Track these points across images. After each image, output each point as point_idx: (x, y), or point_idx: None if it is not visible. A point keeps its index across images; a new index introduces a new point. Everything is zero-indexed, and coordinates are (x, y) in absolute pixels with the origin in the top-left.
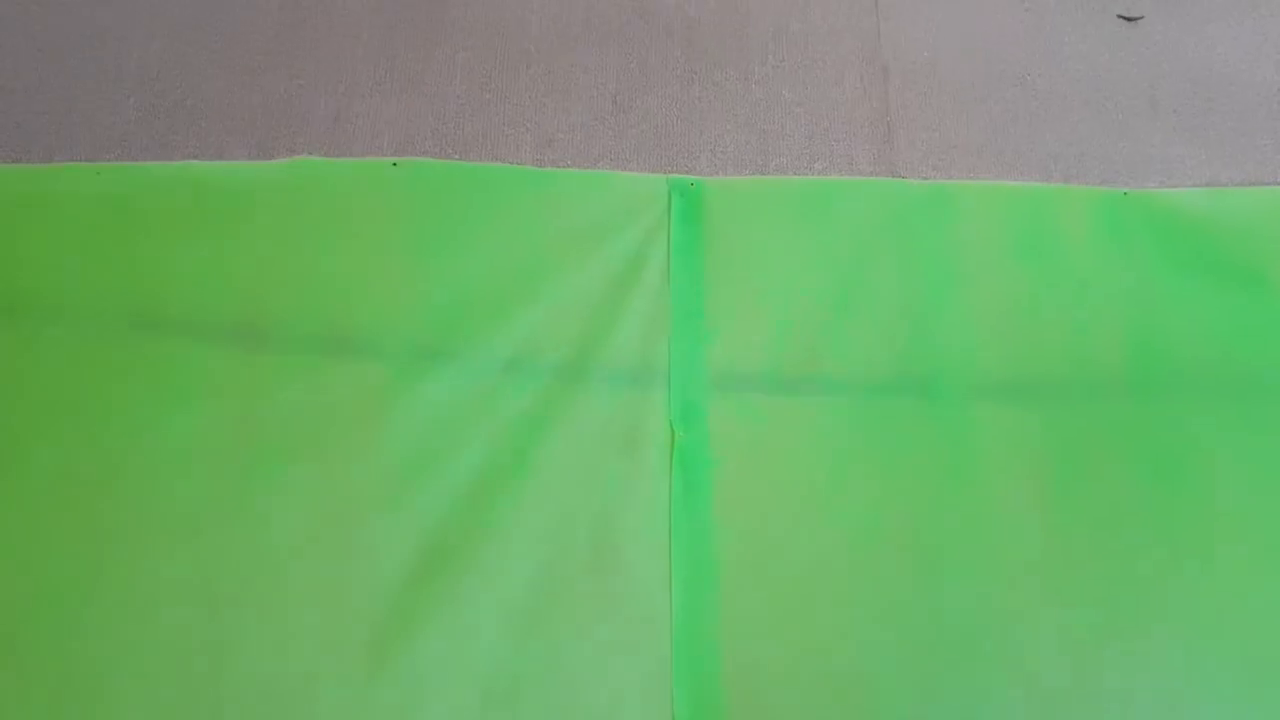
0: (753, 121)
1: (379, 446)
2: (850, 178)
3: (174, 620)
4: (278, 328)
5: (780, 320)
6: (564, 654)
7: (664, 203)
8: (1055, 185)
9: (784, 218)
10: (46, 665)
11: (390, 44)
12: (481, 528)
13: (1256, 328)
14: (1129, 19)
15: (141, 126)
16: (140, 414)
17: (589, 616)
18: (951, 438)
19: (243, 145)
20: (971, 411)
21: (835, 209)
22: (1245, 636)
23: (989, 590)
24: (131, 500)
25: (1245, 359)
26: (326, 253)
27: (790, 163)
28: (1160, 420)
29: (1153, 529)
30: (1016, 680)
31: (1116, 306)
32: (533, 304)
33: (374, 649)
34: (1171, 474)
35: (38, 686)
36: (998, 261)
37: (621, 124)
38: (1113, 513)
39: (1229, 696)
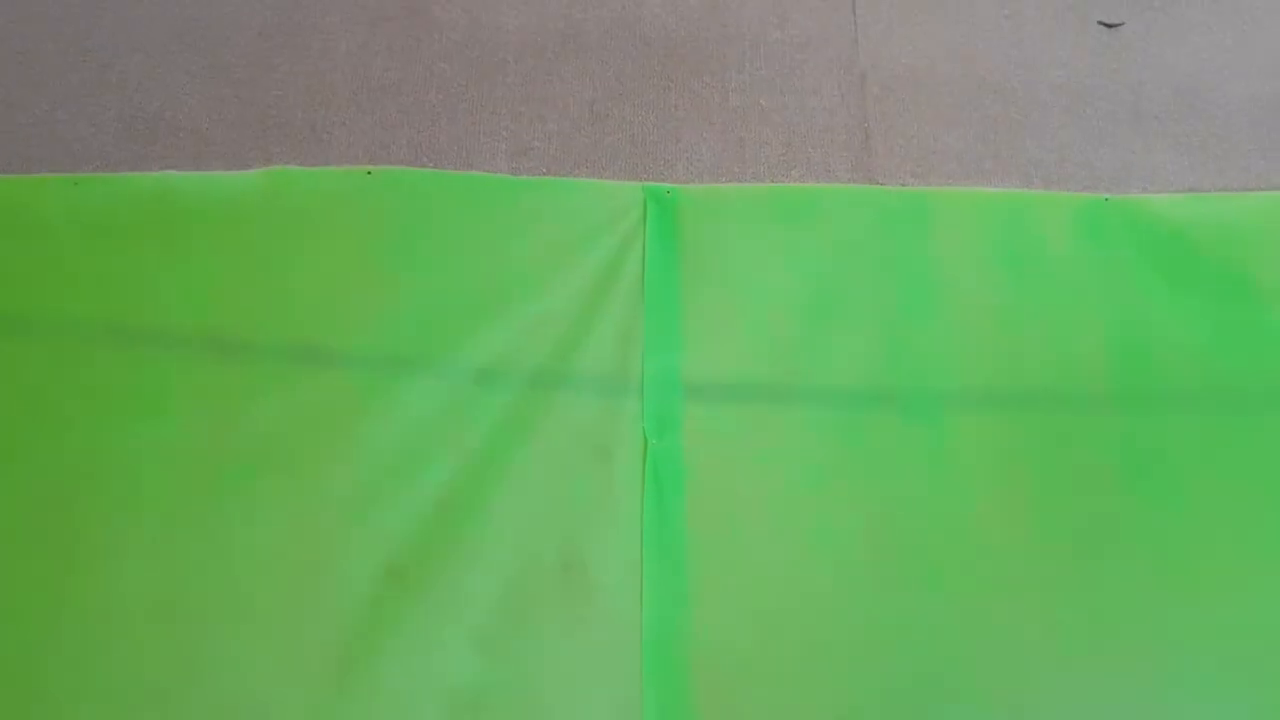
0: (730, 130)
1: (351, 457)
2: (828, 184)
3: (141, 633)
4: (252, 337)
5: (756, 329)
6: (532, 670)
7: (639, 210)
8: (1035, 191)
9: (761, 225)
10: (12, 676)
11: (367, 55)
12: (451, 540)
13: (1239, 335)
14: (1109, 26)
15: (121, 139)
16: (114, 424)
17: (558, 631)
18: (930, 448)
19: (220, 157)
20: (951, 421)
21: (812, 216)
22: (1228, 648)
23: (968, 604)
24: (103, 512)
25: (1228, 367)
26: (302, 261)
27: (767, 171)
28: (1143, 430)
29: (1135, 540)
30: (998, 695)
31: (1098, 314)
32: (507, 312)
33: (340, 663)
34: (1154, 485)
35: (2, 699)
36: (977, 269)
37: (598, 132)
38: (1095, 524)
39: (1213, 708)
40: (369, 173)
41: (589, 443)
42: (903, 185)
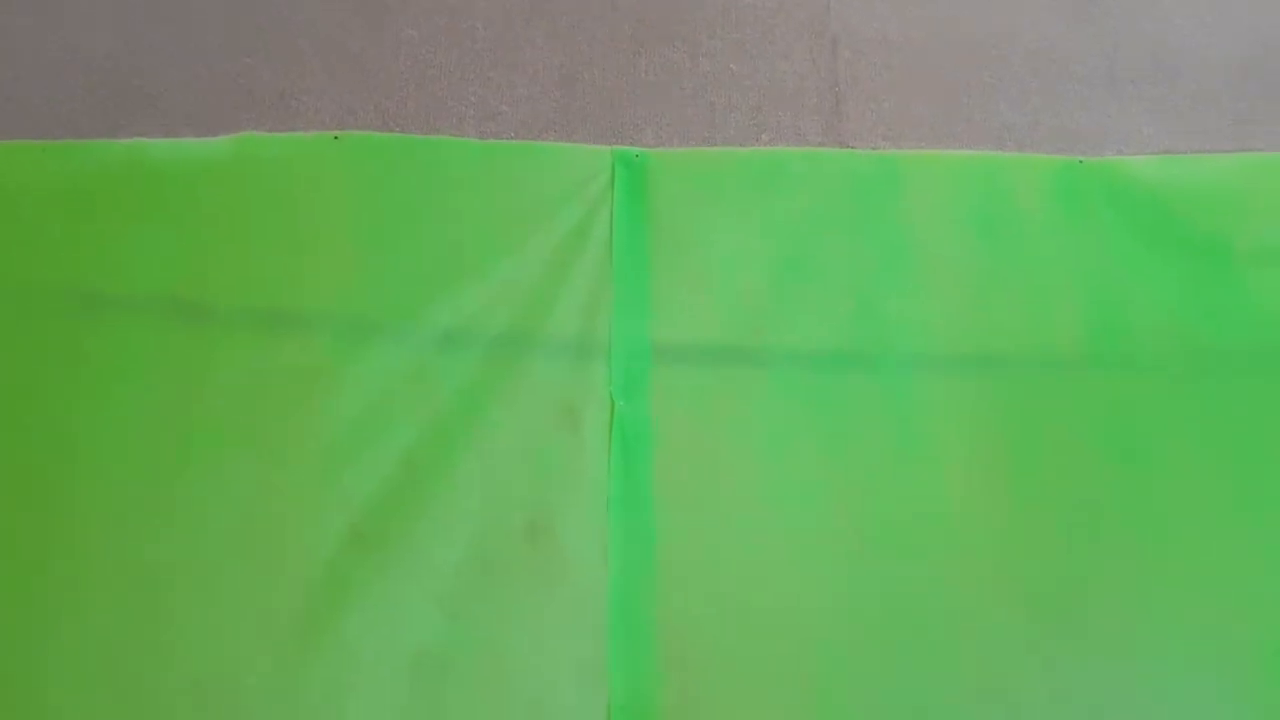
0: (700, 94)
1: (318, 421)
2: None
3: (107, 598)
4: (220, 302)
5: (725, 292)
6: (497, 631)
7: (608, 174)
8: (1008, 154)
9: (730, 189)
10: None
11: (336, 23)
12: (417, 504)
13: (1215, 297)
14: None
15: (91, 111)
16: (81, 389)
17: (524, 592)
18: (900, 411)
19: (190, 125)
20: (921, 385)
21: (782, 180)
22: (1202, 612)
23: (938, 569)
24: (71, 477)
25: (1204, 329)
26: (270, 227)
27: (737, 135)
28: (1117, 393)
29: (1108, 505)
30: (967, 663)
31: (1072, 276)
32: (473, 276)
33: (305, 626)
34: (1128, 448)
35: None
36: (949, 232)
37: (567, 97)
38: (1070, 488)
39: (1189, 676)
40: (336, 138)
41: (556, 406)
42: (874, 149)
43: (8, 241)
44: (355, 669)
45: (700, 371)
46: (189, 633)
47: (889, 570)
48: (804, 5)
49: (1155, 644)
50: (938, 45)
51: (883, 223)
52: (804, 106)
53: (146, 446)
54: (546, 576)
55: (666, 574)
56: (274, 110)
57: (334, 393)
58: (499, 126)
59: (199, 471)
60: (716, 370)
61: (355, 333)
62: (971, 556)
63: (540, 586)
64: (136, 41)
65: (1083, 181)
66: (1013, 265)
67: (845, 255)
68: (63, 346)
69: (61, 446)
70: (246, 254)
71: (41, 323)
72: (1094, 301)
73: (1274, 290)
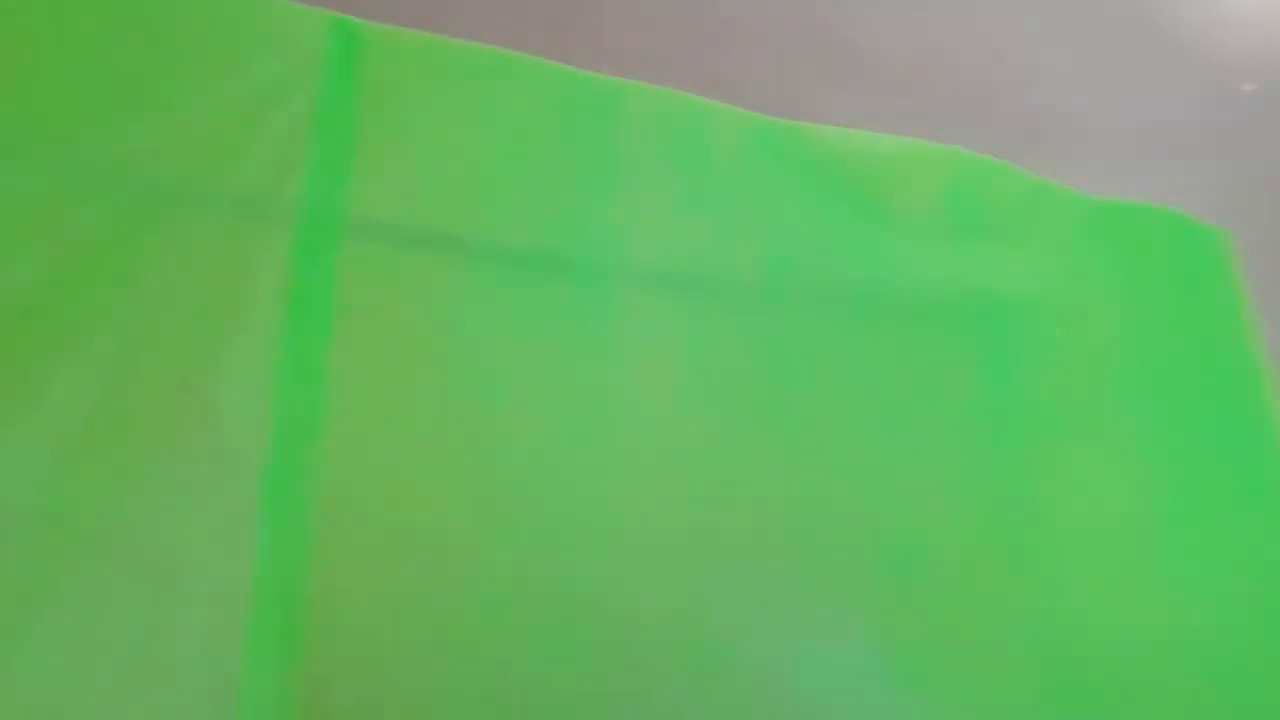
0: None
1: None
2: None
3: None
4: None
5: (431, 178)
6: (132, 493)
7: (321, 39)
8: (717, 103)
9: (449, 78)
10: None
11: None
12: (40, 340)
13: (872, 256)
14: None
15: None
16: None
17: (167, 454)
18: (593, 320)
19: None
20: (616, 294)
21: (503, 80)
22: (863, 546)
23: (613, 471)
24: None
25: (860, 282)
26: None
27: (461, 30)
28: (784, 327)
29: (771, 429)
30: (635, 561)
31: (755, 218)
32: (146, 115)
33: None
34: (790, 383)
35: None
36: (656, 162)
37: None
38: (739, 409)
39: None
40: None
41: (226, 265)
42: (598, 73)
43: None
44: None
45: (395, 252)
46: None
47: (564, 473)
48: None
49: (803, 569)
50: None
51: (595, 140)
52: (531, 19)
53: None
54: (195, 441)
55: (331, 453)
56: None
57: None
58: None
59: None
60: (412, 254)
61: None
62: (649, 462)
63: (187, 450)
64: None
65: (775, 138)
66: (707, 200)
67: (556, 164)
68: None
69: None
70: None
71: None
72: (771, 243)
73: (921, 257)
